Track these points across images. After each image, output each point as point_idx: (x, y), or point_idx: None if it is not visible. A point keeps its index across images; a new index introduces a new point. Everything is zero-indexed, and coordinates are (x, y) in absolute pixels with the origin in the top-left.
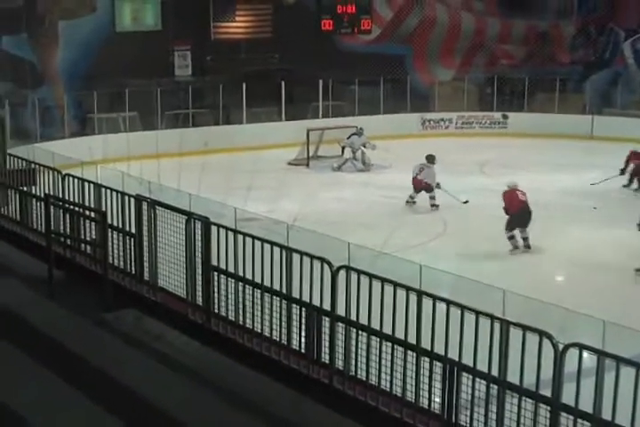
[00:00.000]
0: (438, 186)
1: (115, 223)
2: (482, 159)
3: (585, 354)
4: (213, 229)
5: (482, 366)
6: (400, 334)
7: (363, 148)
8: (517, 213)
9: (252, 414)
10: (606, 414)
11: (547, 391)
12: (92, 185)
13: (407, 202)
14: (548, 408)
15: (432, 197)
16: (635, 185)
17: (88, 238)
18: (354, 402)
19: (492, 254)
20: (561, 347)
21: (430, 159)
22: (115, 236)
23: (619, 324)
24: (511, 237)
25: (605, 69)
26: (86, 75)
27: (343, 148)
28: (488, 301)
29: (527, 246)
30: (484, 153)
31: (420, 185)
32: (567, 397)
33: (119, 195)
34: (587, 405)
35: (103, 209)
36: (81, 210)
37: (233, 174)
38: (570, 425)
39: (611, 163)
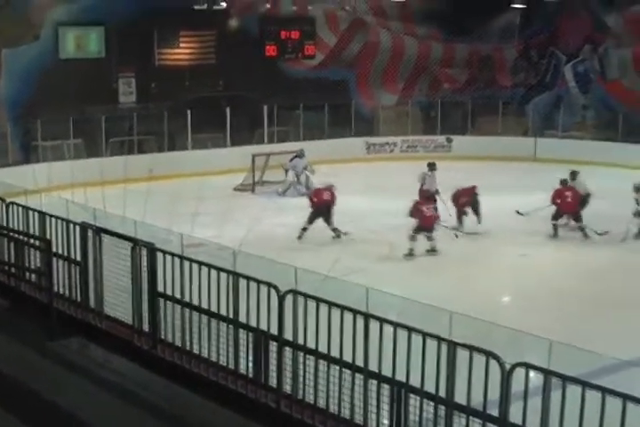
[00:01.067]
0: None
1: (60, 251)
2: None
3: (532, 373)
4: (159, 255)
5: (430, 388)
6: (348, 358)
7: (305, 171)
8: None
9: None
10: None
11: (494, 411)
12: (36, 213)
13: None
14: None
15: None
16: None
17: (33, 267)
18: (302, 426)
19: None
20: (508, 367)
21: (431, 166)
22: (60, 264)
23: (564, 343)
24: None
25: (547, 92)
26: (30, 102)
27: (286, 171)
28: (435, 322)
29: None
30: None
31: (427, 194)
32: (514, 416)
33: (64, 222)
34: (534, 424)
35: (48, 237)
36: (25, 238)
37: (178, 200)
38: None
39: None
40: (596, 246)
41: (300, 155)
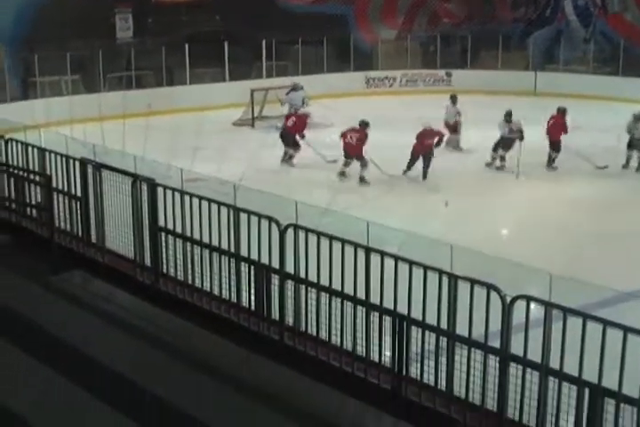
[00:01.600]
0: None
1: (60, 187)
2: (427, 116)
3: (532, 306)
4: (160, 190)
5: (431, 320)
6: (349, 290)
7: (303, 104)
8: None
9: (202, 372)
10: (554, 364)
11: (495, 343)
12: (35, 149)
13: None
14: (497, 359)
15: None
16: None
17: (33, 202)
18: (305, 358)
19: (438, 210)
20: (508, 299)
21: (452, 99)
22: (60, 199)
23: (564, 276)
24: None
25: (547, 27)
26: (27, 38)
27: (283, 104)
28: (436, 256)
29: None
30: (428, 110)
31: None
32: (515, 348)
33: (63, 158)
34: (535, 355)
35: (48, 173)
36: (25, 174)
37: (178, 135)
38: (519, 375)
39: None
40: (598, 180)
41: (296, 88)
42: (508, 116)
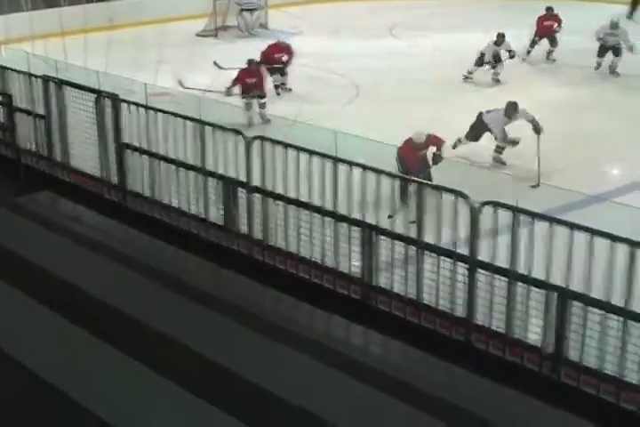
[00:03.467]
0: None
1: (22, 106)
2: (391, 22)
3: (500, 211)
4: (123, 105)
5: (399, 229)
6: (317, 202)
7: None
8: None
9: (172, 287)
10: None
11: (464, 250)
12: None
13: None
14: (466, 266)
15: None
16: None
17: None
18: (274, 271)
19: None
20: (477, 206)
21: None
22: (23, 118)
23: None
24: None
25: None
26: None
27: (241, 11)
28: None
29: None
30: (393, 16)
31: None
32: (483, 254)
33: (25, 76)
34: (503, 261)
35: (9, 92)
36: None
37: (141, 49)
38: (487, 281)
39: (526, 20)
40: (572, 84)
41: None
42: (502, 37)
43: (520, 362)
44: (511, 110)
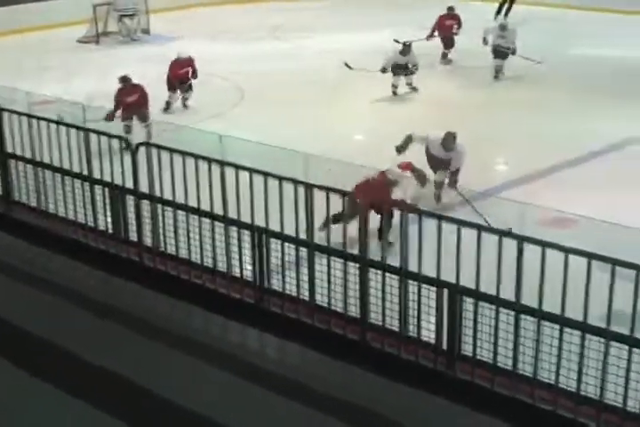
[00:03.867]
0: None
1: None
2: (274, 24)
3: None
4: (5, 115)
5: (290, 231)
6: (206, 207)
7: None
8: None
9: (62, 297)
10: (413, 267)
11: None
12: None
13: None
14: (357, 265)
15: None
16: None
17: None
18: (165, 278)
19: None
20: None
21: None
22: None
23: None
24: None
25: None
26: None
27: (120, 17)
28: (291, 166)
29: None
30: (276, 18)
31: None
32: (375, 252)
33: None
34: (396, 259)
35: None
36: None
37: (23, 56)
38: (379, 280)
39: (416, 19)
40: (459, 83)
41: None
42: (408, 47)
43: (415, 359)
44: (450, 141)
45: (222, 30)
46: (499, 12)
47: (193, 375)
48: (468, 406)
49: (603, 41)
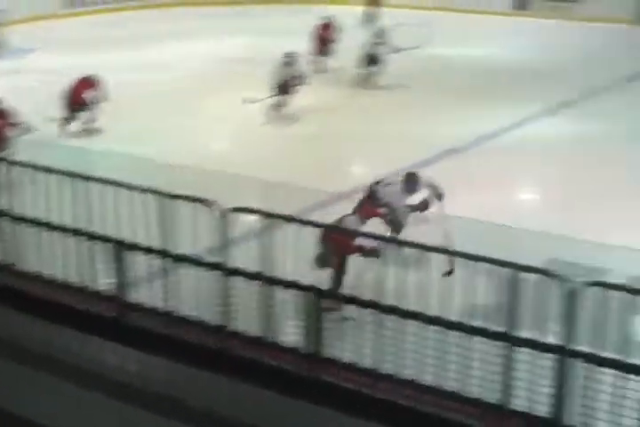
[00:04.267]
0: None
1: None
2: (133, 33)
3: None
4: None
5: (152, 243)
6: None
7: None
8: None
9: None
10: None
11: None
12: None
13: None
14: (220, 273)
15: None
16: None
17: None
18: (31, 298)
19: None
20: (226, 212)
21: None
22: None
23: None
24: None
25: None
26: None
27: None
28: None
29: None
30: (134, 27)
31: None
32: (237, 260)
33: None
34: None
35: None
36: None
37: None
38: (241, 286)
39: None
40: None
41: None
42: (290, 57)
43: (278, 365)
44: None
45: (80, 41)
46: (367, 19)
47: (48, 393)
48: (333, 409)
49: (462, 42)
